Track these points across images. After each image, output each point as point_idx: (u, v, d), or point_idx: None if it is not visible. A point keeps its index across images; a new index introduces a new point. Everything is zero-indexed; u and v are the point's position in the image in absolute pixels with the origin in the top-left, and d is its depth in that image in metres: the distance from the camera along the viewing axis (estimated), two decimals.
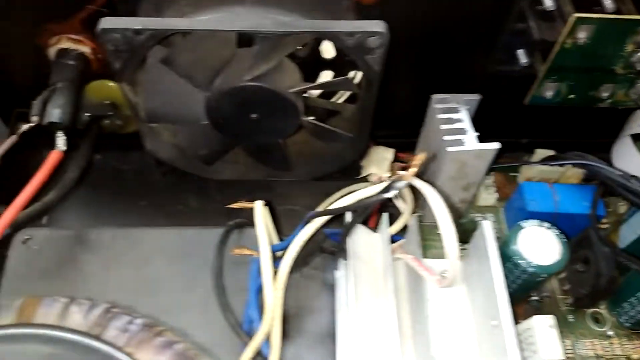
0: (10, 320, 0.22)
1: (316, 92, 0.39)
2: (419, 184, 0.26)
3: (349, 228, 0.30)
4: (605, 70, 0.34)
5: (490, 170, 0.42)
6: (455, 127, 0.34)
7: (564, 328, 0.36)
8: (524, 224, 0.33)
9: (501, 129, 0.37)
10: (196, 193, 0.44)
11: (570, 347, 0.36)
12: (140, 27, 0.29)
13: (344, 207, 0.29)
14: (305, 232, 0.32)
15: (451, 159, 0.34)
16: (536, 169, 0.41)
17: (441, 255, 0.39)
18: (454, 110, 0.35)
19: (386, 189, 0.26)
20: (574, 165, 0.39)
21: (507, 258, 0.33)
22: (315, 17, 0.30)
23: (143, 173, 0.45)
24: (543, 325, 0.33)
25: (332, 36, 0.29)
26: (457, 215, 0.39)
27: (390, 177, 0.29)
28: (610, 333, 0.36)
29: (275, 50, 0.31)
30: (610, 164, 0.37)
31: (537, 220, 0.33)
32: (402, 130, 0.40)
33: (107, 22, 0.29)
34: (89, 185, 0.42)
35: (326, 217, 0.32)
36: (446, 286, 0.30)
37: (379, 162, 0.38)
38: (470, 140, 0.34)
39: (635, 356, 0.35)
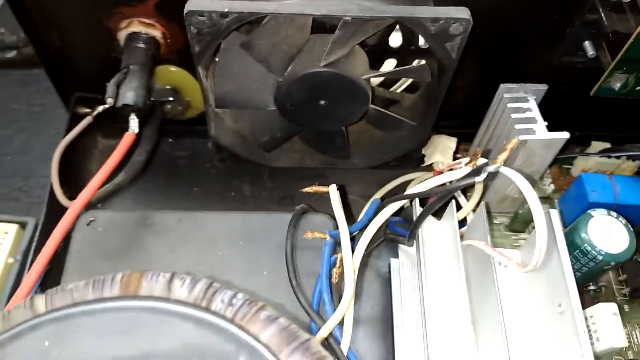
0: (116, 293, 0.22)
1: (377, 81, 0.39)
2: (507, 170, 0.27)
3: (426, 213, 0.30)
4: None
5: None
6: (526, 116, 0.35)
7: (627, 319, 0.37)
8: (592, 212, 0.34)
9: (562, 120, 0.37)
10: (249, 181, 0.44)
11: (627, 336, 0.36)
12: (227, 10, 0.29)
13: (429, 190, 0.29)
14: (383, 216, 0.32)
15: (522, 148, 0.34)
16: (591, 161, 0.41)
17: (498, 244, 0.40)
18: (523, 100, 0.36)
19: (475, 172, 0.26)
20: (630, 157, 0.39)
21: (575, 246, 0.33)
22: (396, 3, 0.31)
23: (195, 160, 0.45)
24: (607, 313, 0.33)
25: (416, 22, 0.30)
26: (517, 204, 0.39)
27: (468, 163, 0.29)
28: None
29: (354, 36, 0.31)
30: None
31: (605, 209, 0.34)
32: (461, 121, 0.41)
33: (193, 4, 0.29)
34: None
35: (401, 203, 0.32)
36: (528, 271, 0.30)
37: (443, 150, 0.38)
38: (541, 129, 0.34)
39: None
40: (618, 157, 0.39)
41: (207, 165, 0.45)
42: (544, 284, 0.34)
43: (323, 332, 0.30)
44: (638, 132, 0.42)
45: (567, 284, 0.31)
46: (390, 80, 0.40)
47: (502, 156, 0.26)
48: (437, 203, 0.29)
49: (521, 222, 0.39)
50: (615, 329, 0.33)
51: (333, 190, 0.33)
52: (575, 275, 0.34)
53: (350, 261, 0.31)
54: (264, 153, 0.40)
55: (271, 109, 0.35)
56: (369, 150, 0.41)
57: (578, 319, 0.30)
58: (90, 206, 0.37)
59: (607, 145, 0.42)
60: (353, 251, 0.32)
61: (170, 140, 0.45)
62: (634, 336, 0.37)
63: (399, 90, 0.40)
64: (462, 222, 0.37)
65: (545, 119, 0.35)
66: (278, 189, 0.44)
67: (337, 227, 0.33)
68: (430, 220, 0.35)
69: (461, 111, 0.40)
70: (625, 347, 0.35)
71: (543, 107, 0.37)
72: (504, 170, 0.26)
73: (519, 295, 0.34)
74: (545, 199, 0.42)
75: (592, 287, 0.38)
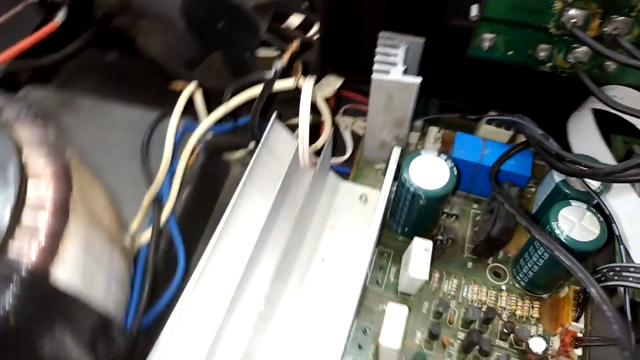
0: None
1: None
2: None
3: (255, 113, 0.34)
4: (538, 28, 0.35)
5: (440, 125, 0.44)
6: (388, 59, 0.37)
7: (460, 271, 0.38)
8: (423, 152, 0.36)
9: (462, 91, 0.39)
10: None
11: (456, 287, 0.37)
12: None
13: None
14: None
15: (376, 87, 0.37)
16: (490, 130, 0.42)
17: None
18: (394, 47, 0.38)
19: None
20: (504, 122, 0.40)
21: (401, 183, 0.35)
22: None
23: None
24: (420, 247, 0.35)
25: None
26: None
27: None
28: (504, 288, 0.37)
29: None
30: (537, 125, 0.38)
31: (437, 153, 0.35)
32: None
33: None
34: None
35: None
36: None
37: (326, 87, 0.42)
38: (396, 72, 0.37)
39: (518, 312, 0.36)
40: (492, 122, 0.40)
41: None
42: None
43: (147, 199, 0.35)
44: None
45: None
46: None
47: (285, 56, 0.29)
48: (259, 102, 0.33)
49: None
50: (423, 262, 0.34)
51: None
52: (403, 211, 0.36)
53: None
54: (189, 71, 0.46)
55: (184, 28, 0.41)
56: None
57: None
58: None
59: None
60: None
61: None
62: (464, 290, 0.37)
63: None
64: None
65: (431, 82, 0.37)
66: None
67: None
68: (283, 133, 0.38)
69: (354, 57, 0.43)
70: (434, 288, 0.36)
71: (429, 69, 0.39)
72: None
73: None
74: None
75: (440, 238, 0.39)
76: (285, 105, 0.41)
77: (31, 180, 0.25)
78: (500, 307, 0.36)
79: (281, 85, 0.37)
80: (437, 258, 0.38)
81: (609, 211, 0.34)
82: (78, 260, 0.26)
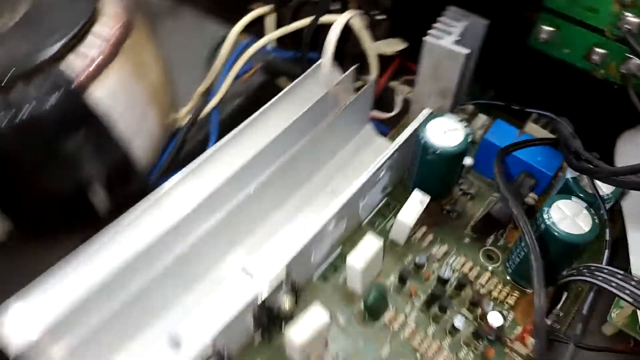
0: None
1: None
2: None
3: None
4: (594, 29, 0.36)
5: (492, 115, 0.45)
6: (446, 29, 0.40)
7: (454, 243, 0.39)
8: (447, 115, 0.37)
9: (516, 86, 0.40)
10: None
11: (444, 253, 0.38)
12: None
13: None
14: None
15: (426, 51, 0.39)
16: (534, 129, 0.43)
17: None
18: (456, 20, 0.40)
19: None
20: (541, 116, 0.41)
21: (417, 137, 0.37)
22: None
23: None
24: (416, 197, 0.37)
25: None
26: None
27: None
28: (490, 269, 0.38)
29: None
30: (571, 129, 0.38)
31: (459, 119, 0.37)
32: None
33: None
34: None
35: None
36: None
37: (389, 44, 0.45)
38: (448, 40, 0.39)
39: (494, 294, 0.36)
40: (527, 114, 0.41)
41: None
42: None
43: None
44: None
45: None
46: None
47: None
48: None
49: None
50: (413, 211, 0.36)
51: None
52: (422, 171, 0.38)
53: None
54: None
55: None
56: None
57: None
58: None
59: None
60: None
61: None
62: (450, 259, 0.38)
63: None
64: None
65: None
66: None
67: None
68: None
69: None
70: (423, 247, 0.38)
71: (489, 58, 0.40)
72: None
73: None
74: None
75: (447, 208, 0.40)
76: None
77: (101, 18, 0.31)
78: (479, 283, 0.37)
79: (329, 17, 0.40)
80: (438, 225, 0.40)
81: (607, 217, 0.33)
82: (115, 93, 0.31)
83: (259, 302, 0.31)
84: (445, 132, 0.36)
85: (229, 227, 0.34)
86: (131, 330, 0.32)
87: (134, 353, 0.32)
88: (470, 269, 0.38)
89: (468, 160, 0.40)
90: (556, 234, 0.32)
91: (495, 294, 0.37)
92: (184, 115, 0.41)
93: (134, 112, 0.34)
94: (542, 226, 0.33)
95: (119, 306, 0.30)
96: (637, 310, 0.33)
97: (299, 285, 0.35)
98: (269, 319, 0.32)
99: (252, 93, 0.43)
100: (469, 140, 0.36)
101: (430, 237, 0.39)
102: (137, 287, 0.30)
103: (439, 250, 0.39)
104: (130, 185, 0.36)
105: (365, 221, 0.40)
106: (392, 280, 0.37)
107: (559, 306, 0.35)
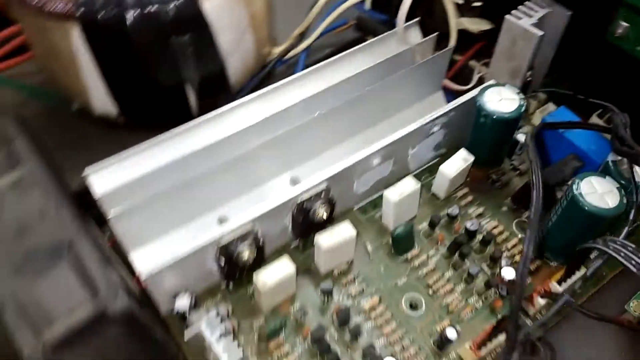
0: None
1: None
2: None
3: None
4: None
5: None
6: (528, 12, 0.42)
7: (491, 208, 0.41)
8: (508, 85, 0.40)
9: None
10: None
11: (478, 215, 0.41)
12: None
13: None
14: None
15: (505, 29, 0.42)
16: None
17: None
18: (540, 7, 0.43)
19: None
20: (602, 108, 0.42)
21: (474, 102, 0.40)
22: None
23: None
24: (461, 155, 0.41)
25: None
26: None
27: None
28: (519, 236, 0.40)
29: None
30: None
31: (518, 91, 0.40)
32: None
33: None
34: None
35: None
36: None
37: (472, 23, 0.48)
38: (527, 21, 0.41)
39: (517, 258, 0.39)
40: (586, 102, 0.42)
41: None
42: None
43: None
44: None
45: None
46: None
47: None
48: None
49: None
50: (455, 165, 0.40)
51: None
52: (476, 132, 0.41)
53: None
54: None
55: None
56: None
57: None
58: None
59: None
60: None
61: None
62: (484, 220, 0.41)
63: None
64: None
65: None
66: None
67: None
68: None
69: None
70: (459, 204, 0.41)
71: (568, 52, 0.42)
72: None
73: None
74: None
75: (494, 177, 0.43)
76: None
77: None
78: (505, 247, 0.39)
79: None
80: (480, 191, 0.43)
81: (637, 202, 0.35)
82: (222, 10, 0.38)
83: (298, 202, 0.36)
84: (501, 100, 0.39)
85: (288, 145, 0.40)
86: (188, 213, 0.38)
87: (188, 231, 0.38)
88: (500, 233, 0.40)
89: (522, 137, 0.43)
90: (580, 204, 0.34)
91: (518, 258, 0.39)
92: (277, 52, 0.47)
93: (235, 31, 0.40)
94: (570, 195, 0.35)
95: (181, 185, 0.36)
96: None
97: (338, 206, 0.39)
98: (303, 221, 0.37)
99: (341, 46, 0.48)
100: (522, 110, 0.39)
101: (469, 198, 0.42)
102: (198, 173, 0.36)
103: (474, 211, 0.41)
104: (219, 96, 0.42)
105: (412, 173, 0.43)
106: (423, 225, 0.41)
107: (574, 278, 0.36)
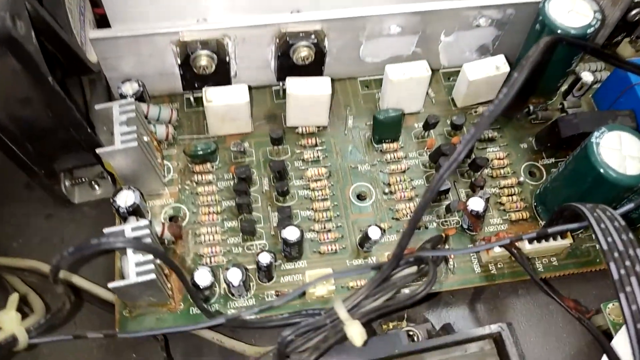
0: None
1: None
2: None
3: None
4: None
5: None
6: None
7: (508, 137, 0.35)
8: None
9: None
10: None
11: (490, 139, 0.35)
12: None
13: None
14: None
15: None
16: None
17: None
18: None
19: None
20: None
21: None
22: None
23: None
24: (494, 62, 0.34)
25: None
26: None
27: None
28: (521, 179, 0.33)
29: None
30: None
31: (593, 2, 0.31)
32: None
33: None
34: None
35: None
36: None
37: None
38: None
39: (504, 200, 0.32)
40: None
41: None
42: None
43: None
44: None
45: None
46: None
47: None
48: None
49: None
50: (480, 68, 0.33)
51: None
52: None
53: None
54: None
55: None
56: None
57: None
58: None
59: None
60: None
61: None
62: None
63: None
64: None
65: None
66: None
67: None
68: None
69: None
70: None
71: None
72: None
73: None
74: None
75: (531, 109, 0.36)
76: None
77: None
78: (497, 184, 0.33)
79: None
80: (508, 117, 0.36)
81: None
82: None
83: (281, 31, 0.31)
84: (570, 12, 0.31)
85: None
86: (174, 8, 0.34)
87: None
88: (501, 167, 0.34)
89: (588, 76, 0.35)
90: (591, 156, 0.27)
91: (504, 201, 0.33)
92: None
93: None
94: (585, 143, 0.27)
95: None
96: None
97: (338, 67, 0.34)
98: (283, 57, 0.32)
99: None
100: (591, 30, 0.30)
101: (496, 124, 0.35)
102: None
103: (489, 133, 0.35)
104: None
105: (441, 70, 0.37)
106: (420, 124, 0.35)
107: (545, 245, 0.30)
